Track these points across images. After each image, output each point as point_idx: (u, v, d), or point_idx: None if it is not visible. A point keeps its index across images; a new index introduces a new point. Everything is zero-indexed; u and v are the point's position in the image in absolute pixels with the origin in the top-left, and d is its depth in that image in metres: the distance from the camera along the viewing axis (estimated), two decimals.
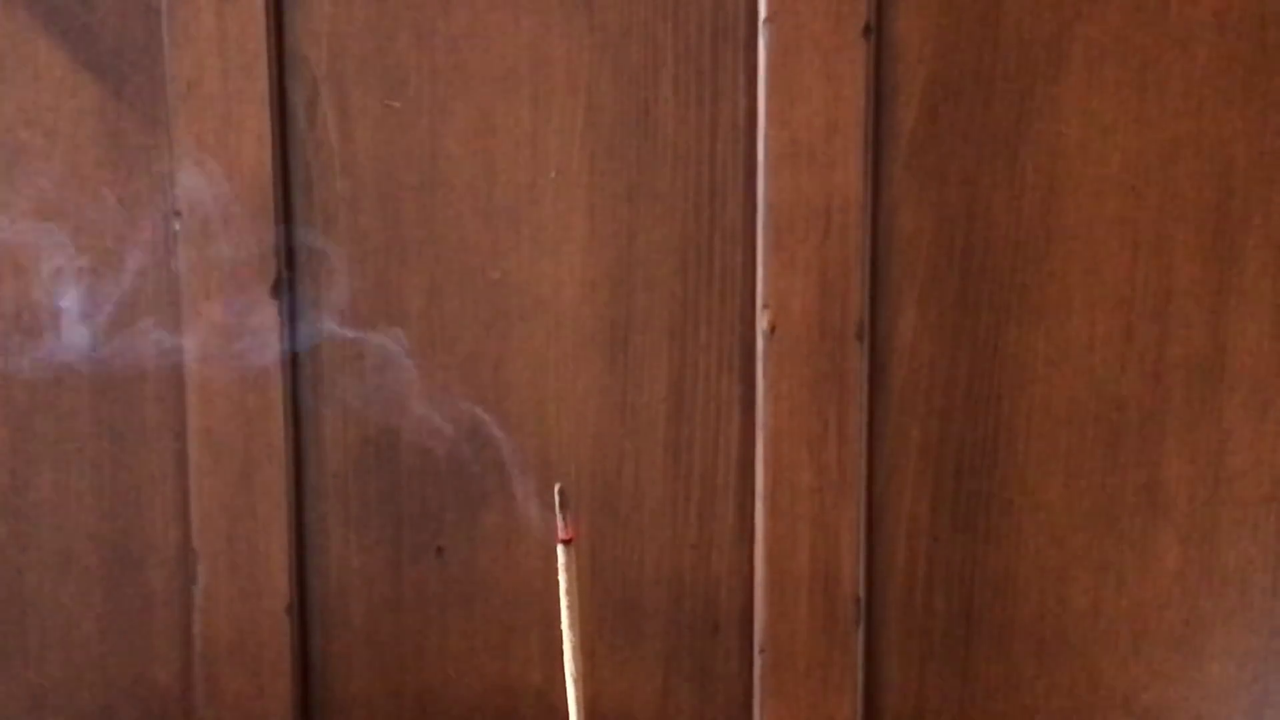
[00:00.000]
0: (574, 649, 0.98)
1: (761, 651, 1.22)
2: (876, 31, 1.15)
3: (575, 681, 0.98)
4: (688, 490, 1.21)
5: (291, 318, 1.20)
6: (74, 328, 1.21)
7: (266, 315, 1.19)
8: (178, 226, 1.18)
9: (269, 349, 1.19)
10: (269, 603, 1.22)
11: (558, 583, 0.97)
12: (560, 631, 0.98)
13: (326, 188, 1.19)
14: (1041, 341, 1.18)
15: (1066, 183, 1.16)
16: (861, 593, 1.21)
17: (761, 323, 1.18)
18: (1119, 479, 1.19)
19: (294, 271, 1.19)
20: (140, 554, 1.23)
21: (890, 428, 1.20)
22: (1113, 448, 1.19)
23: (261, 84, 1.16)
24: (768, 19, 1.14)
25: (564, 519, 0.96)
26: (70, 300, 1.21)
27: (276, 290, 1.18)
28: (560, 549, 0.96)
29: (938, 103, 1.16)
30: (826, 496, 1.19)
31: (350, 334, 1.20)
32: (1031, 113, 1.16)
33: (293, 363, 1.20)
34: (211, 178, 1.18)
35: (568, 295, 1.19)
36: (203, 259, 1.18)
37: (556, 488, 0.96)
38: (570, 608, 0.97)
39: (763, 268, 1.17)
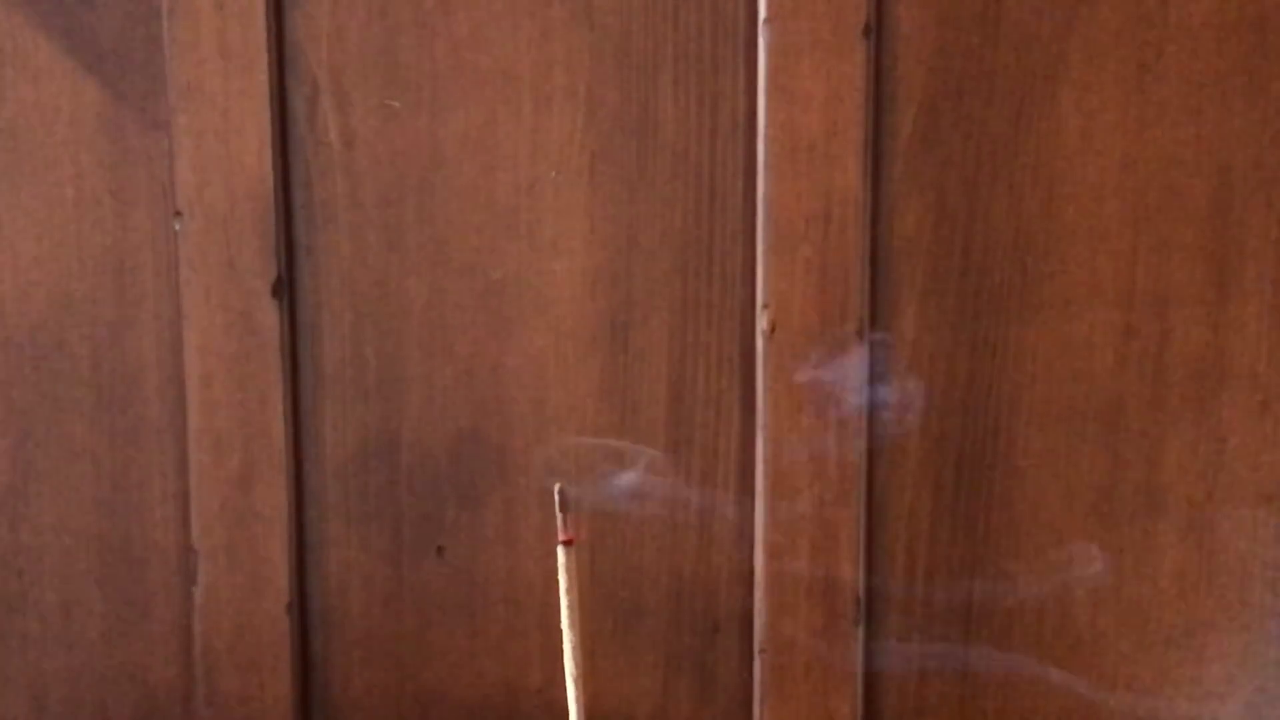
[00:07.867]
0: (574, 649, 0.98)
1: (761, 651, 1.21)
2: (876, 31, 1.15)
3: (575, 681, 0.98)
4: (688, 490, 1.21)
5: (291, 317, 1.20)
6: (76, 328, 1.21)
7: (267, 315, 1.19)
8: (178, 226, 1.18)
9: (269, 349, 1.19)
10: (269, 602, 1.22)
11: (558, 583, 0.97)
12: (560, 631, 0.98)
13: (326, 188, 1.19)
14: (1041, 341, 1.18)
15: (1066, 183, 1.16)
16: (861, 593, 1.21)
17: (761, 323, 1.18)
18: (1119, 479, 1.19)
19: (294, 271, 1.19)
20: (140, 554, 1.23)
21: (891, 428, 1.20)
22: (1112, 447, 1.19)
23: (261, 84, 1.16)
24: (768, 19, 1.14)
25: (564, 519, 0.96)
26: (72, 300, 1.21)
27: (276, 290, 1.19)
28: (560, 549, 0.96)
29: (938, 103, 1.16)
30: (826, 496, 1.19)
31: (350, 333, 1.20)
32: (1031, 113, 1.16)
33: (293, 362, 1.20)
34: (211, 177, 1.18)
35: (568, 295, 1.19)
36: (203, 259, 1.18)
37: (556, 488, 0.96)
38: (570, 608, 0.97)
39: (763, 268, 1.17)
